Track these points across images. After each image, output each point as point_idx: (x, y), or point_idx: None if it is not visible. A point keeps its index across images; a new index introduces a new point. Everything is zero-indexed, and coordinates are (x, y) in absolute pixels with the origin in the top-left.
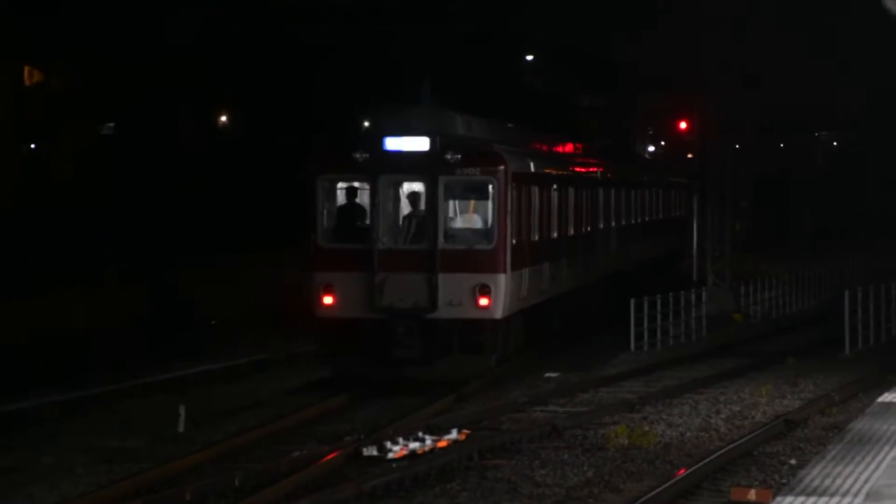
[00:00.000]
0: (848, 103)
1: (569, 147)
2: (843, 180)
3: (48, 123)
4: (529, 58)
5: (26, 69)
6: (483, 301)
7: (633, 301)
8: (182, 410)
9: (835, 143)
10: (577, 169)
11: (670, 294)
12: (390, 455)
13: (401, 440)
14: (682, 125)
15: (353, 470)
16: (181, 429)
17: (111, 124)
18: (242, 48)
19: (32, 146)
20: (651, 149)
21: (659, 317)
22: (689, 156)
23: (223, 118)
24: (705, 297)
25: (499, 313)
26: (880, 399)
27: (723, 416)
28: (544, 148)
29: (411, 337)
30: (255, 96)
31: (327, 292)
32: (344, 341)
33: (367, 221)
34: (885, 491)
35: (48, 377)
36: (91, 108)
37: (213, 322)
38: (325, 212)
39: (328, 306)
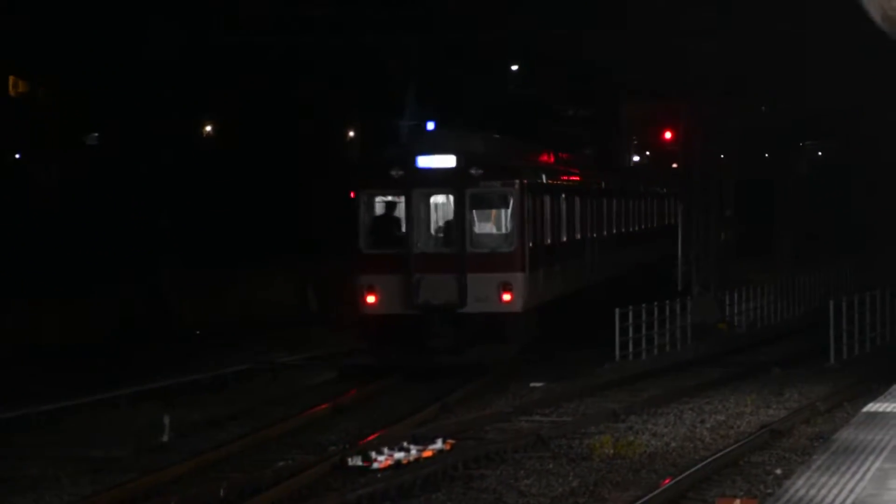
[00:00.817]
0: (831, 113)
1: (574, 160)
2: (829, 188)
3: (33, 133)
4: (514, 67)
5: (11, 79)
6: (506, 297)
7: (617, 311)
8: (167, 420)
9: (819, 154)
10: (584, 180)
11: (655, 303)
12: (375, 465)
13: (386, 450)
14: (667, 135)
15: (338, 480)
16: (166, 439)
17: (95, 134)
18: (226, 60)
19: (17, 156)
20: (636, 159)
21: (644, 326)
22: (675, 165)
23: (208, 128)
24: (690, 306)
25: (519, 307)
26: (865, 409)
27: (708, 425)
28: (552, 161)
29: (444, 329)
30: (242, 108)
31: (370, 292)
32: (385, 335)
33: (404, 229)
34: (870, 501)
35: (32, 387)
36: (75, 118)
37: (198, 332)
38: (367, 222)
39: (371, 304)
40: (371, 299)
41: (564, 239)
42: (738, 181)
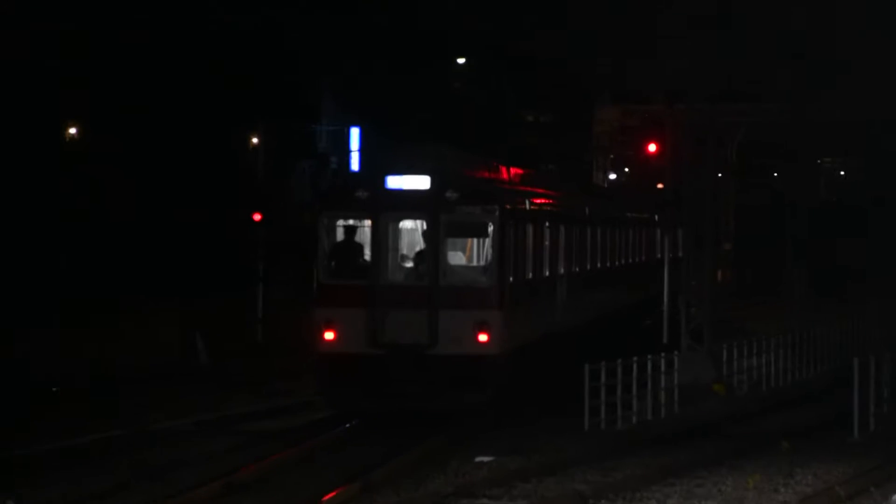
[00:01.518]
0: (858, 126)
1: (556, 182)
2: (851, 213)
3: None
4: (461, 61)
5: None
6: (482, 337)
7: (587, 367)
8: None
9: (842, 173)
10: (568, 205)
11: (634, 359)
12: None
13: None
14: (651, 147)
15: None
16: None
17: None
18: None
19: None
20: (612, 176)
21: (620, 386)
22: (660, 186)
23: (72, 131)
24: (678, 363)
25: (496, 349)
26: None
27: None
28: (535, 184)
29: (411, 371)
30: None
31: (329, 327)
32: (344, 376)
33: (368, 258)
34: None
35: None
36: None
37: (55, 389)
38: (328, 249)
39: (329, 341)
40: (329, 335)
41: (548, 274)
42: (739, 206)
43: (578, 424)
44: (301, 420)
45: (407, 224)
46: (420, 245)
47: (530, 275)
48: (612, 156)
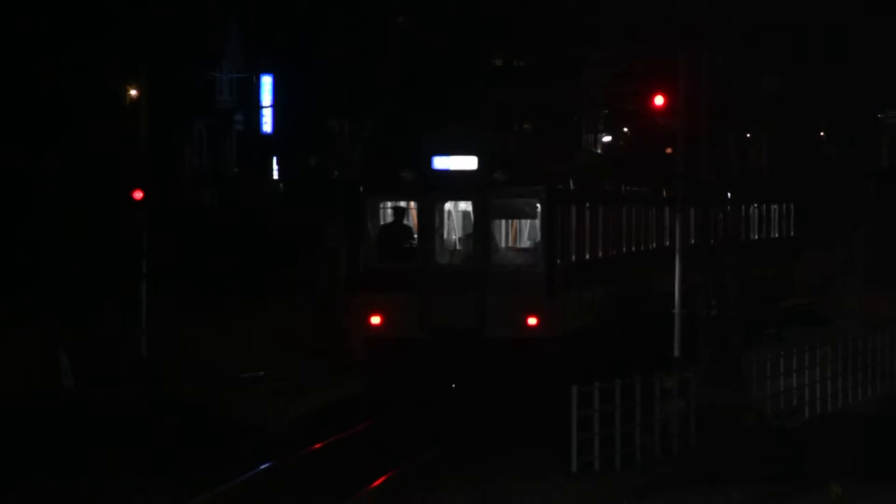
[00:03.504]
0: None
1: (607, 161)
2: None
3: None
4: None
5: None
6: (531, 320)
7: (575, 389)
8: None
9: None
10: (619, 186)
11: (637, 377)
12: None
13: None
14: (658, 100)
15: None
16: None
17: None
18: None
19: None
20: (607, 138)
21: (618, 415)
22: (669, 151)
23: None
24: (695, 383)
25: (546, 332)
26: None
27: None
28: (587, 162)
29: (460, 356)
30: None
31: (374, 312)
32: (391, 362)
33: (415, 241)
34: None
35: None
36: None
37: None
38: (372, 232)
39: (375, 326)
40: (375, 321)
41: (597, 255)
42: (771, 179)
43: (564, 460)
44: None
45: (454, 206)
46: (468, 227)
47: (579, 256)
48: (605, 111)
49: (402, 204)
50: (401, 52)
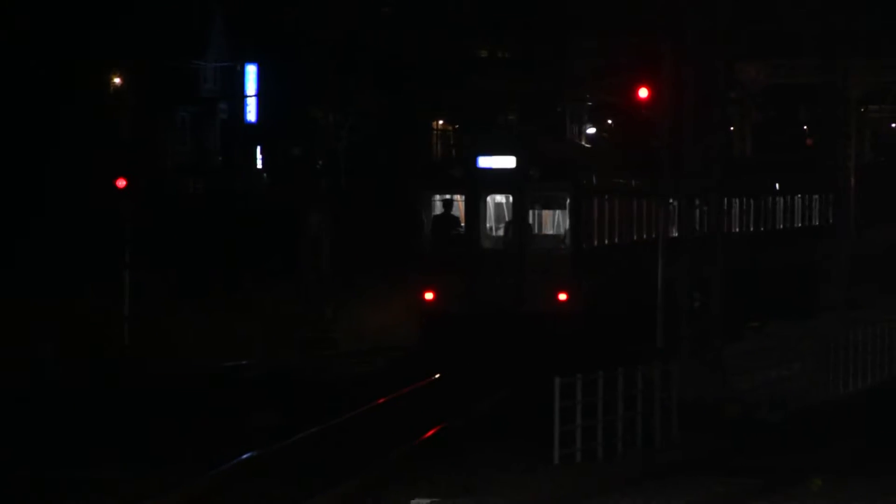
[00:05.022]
0: None
1: (620, 154)
2: None
3: None
4: None
5: None
6: (561, 296)
7: (557, 381)
8: None
9: (893, 125)
10: (630, 179)
11: (619, 370)
12: None
13: None
14: (642, 92)
15: None
16: None
17: None
18: None
19: None
20: (591, 131)
21: (601, 406)
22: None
23: None
24: (677, 375)
25: (574, 307)
26: None
27: None
28: (612, 159)
29: (502, 328)
30: None
31: (429, 290)
32: (443, 333)
33: (464, 229)
34: None
35: None
36: None
37: None
38: (427, 221)
39: (429, 302)
40: (429, 296)
41: (617, 241)
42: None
43: (547, 453)
44: None
45: (496, 198)
46: (508, 216)
47: (600, 242)
48: (589, 104)
49: (451, 197)
50: (386, 43)
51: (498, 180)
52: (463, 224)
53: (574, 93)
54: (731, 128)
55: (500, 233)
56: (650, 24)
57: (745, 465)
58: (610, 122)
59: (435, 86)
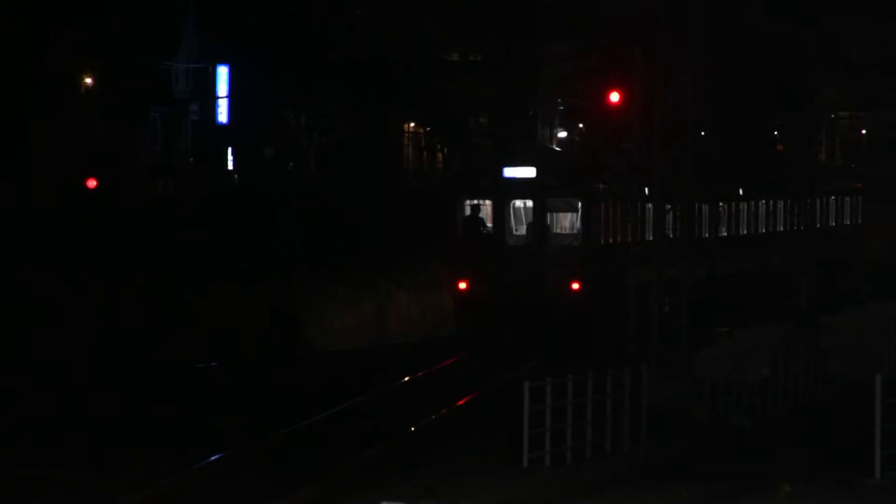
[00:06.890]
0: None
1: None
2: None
3: None
4: None
5: None
6: (575, 285)
7: (526, 384)
8: None
9: (863, 132)
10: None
11: (589, 374)
12: None
13: None
14: (614, 97)
15: None
16: None
17: None
18: None
19: None
20: (562, 134)
21: (570, 410)
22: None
23: None
24: (647, 380)
25: (585, 295)
26: None
27: None
28: (619, 168)
29: (526, 312)
30: None
31: (463, 280)
32: (475, 316)
33: (492, 229)
34: None
35: None
36: None
37: None
38: (460, 222)
39: (463, 290)
40: (463, 286)
41: (622, 241)
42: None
43: (516, 457)
44: None
45: (519, 203)
46: (529, 218)
47: (606, 241)
48: (561, 108)
49: (479, 202)
50: (357, 45)
51: (521, 188)
52: (490, 224)
53: (546, 96)
54: (703, 133)
55: (522, 232)
56: (621, 26)
57: (712, 471)
58: (581, 125)
59: (406, 88)
